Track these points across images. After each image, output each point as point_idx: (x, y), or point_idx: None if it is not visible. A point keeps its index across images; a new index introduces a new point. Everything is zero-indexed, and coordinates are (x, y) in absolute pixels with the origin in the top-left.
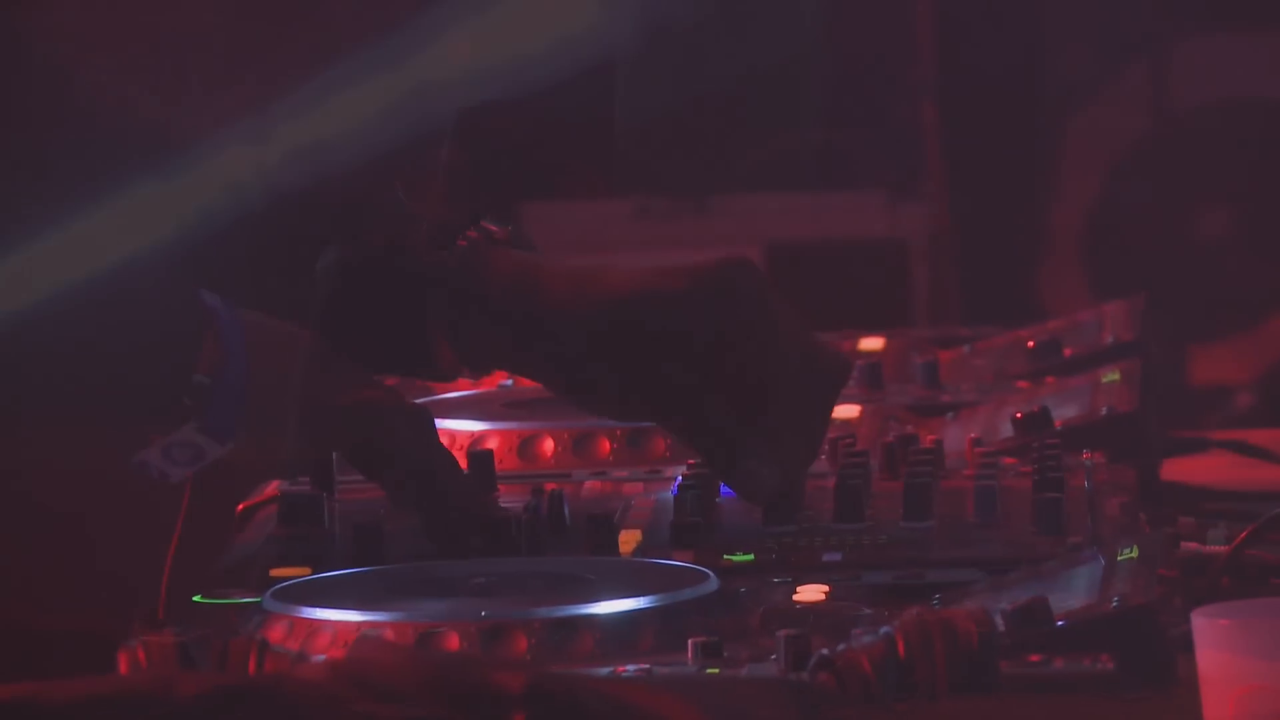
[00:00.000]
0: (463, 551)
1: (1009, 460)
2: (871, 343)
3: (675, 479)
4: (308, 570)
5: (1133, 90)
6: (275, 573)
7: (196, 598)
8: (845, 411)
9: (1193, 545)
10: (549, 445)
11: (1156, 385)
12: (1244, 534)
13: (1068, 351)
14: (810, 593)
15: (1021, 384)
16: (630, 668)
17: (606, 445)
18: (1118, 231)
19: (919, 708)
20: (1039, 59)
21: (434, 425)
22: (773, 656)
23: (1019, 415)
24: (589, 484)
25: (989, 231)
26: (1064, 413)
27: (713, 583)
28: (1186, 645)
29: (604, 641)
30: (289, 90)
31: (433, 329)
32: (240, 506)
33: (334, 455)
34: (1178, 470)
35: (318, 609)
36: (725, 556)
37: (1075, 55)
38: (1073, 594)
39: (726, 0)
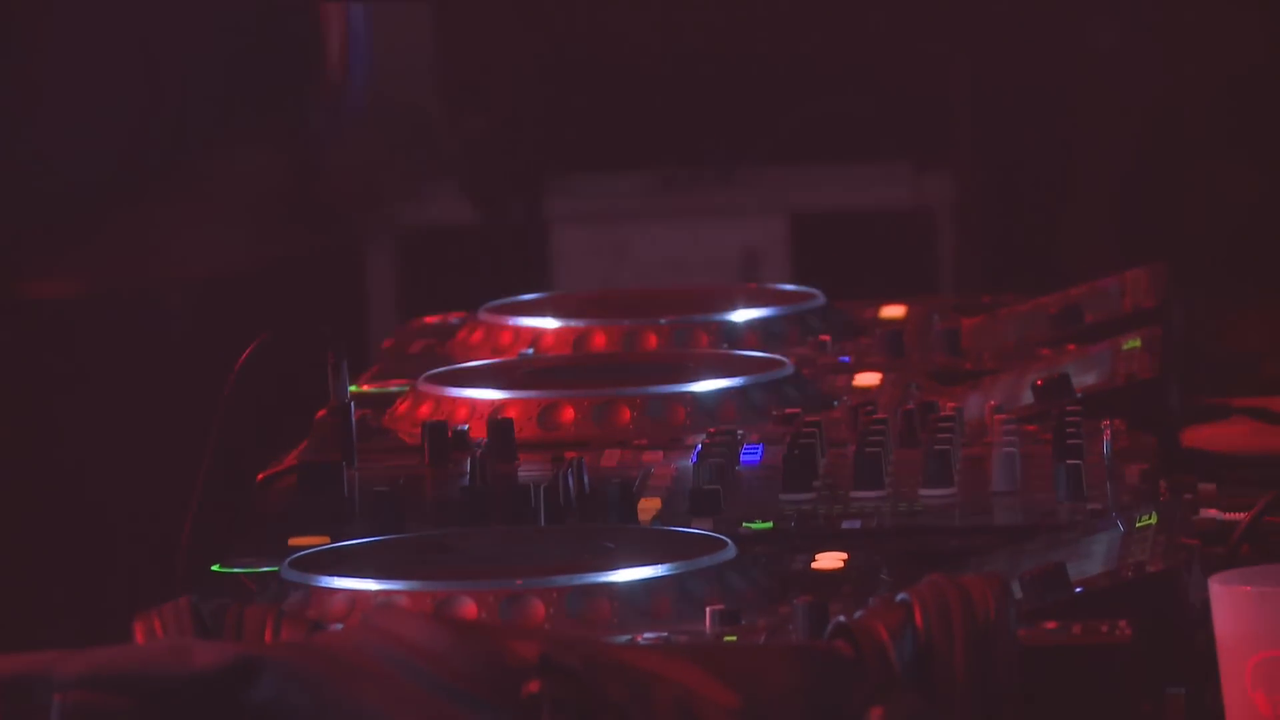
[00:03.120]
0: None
1: (1029, 427)
2: (893, 310)
3: (695, 447)
4: (326, 539)
5: (1160, 55)
6: (294, 541)
7: (215, 567)
8: (866, 379)
9: (1212, 512)
10: (569, 413)
11: (1178, 352)
12: (1263, 501)
13: (1089, 318)
14: (829, 560)
15: (1043, 351)
16: (648, 635)
17: (626, 413)
18: (1142, 199)
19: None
20: (1065, 25)
21: None
22: (790, 624)
23: (1040, 382)
24: (609, 452)
25: (1014, 200)
26: (1085, 380)
27: (731, 550)
28: (1204, 611)
29: (622, 609)
30: None
31: None
32: (260, 475)
33: (353, 424)
34: (1199, 437)
35: (336, 578)
36: (744, 524)
37: (1102, 20)
38: (1092, 561)
39: None
